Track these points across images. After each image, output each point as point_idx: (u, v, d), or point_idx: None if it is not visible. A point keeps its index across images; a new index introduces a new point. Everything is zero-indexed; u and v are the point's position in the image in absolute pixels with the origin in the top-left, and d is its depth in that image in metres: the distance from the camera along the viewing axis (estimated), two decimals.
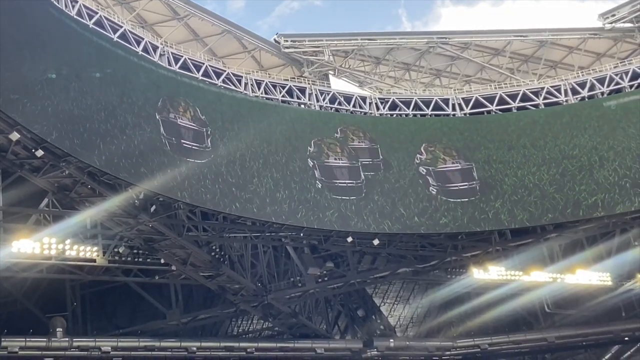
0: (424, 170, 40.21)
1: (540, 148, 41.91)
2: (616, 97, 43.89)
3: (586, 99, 44.48)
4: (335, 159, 39.06)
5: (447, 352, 46.38)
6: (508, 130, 43.32)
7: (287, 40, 47.04)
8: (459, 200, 39.32)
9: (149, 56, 37.85)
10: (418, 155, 40.97)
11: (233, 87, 40.61)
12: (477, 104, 44.83)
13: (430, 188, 39.77)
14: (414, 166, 40.78)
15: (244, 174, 36.27)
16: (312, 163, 38.54)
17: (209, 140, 36.03)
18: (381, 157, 41.08)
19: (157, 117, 34.63)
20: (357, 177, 39.19)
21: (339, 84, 48.33)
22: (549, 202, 39.79)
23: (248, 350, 41.35)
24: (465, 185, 40.40)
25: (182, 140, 34.92)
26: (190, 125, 35.77)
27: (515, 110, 44.58)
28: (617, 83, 44.55)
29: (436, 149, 41.21)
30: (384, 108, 44.29)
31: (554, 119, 43.50)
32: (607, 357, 51.34)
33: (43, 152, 28.70)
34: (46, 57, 31.12)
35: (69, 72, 31.92)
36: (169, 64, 38.74)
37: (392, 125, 43.48)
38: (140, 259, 35.77)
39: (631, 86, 44.15)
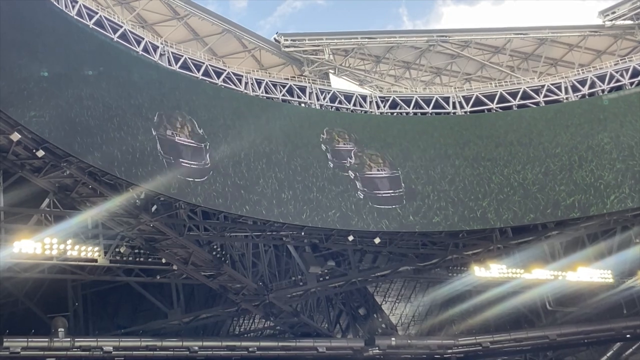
0: None
1: (526, 145, 41.87)
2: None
3: (587, 97, 44.49)
4: (378, 170, 40.31)
5: (449, 350, 46.31)
6: (496, 125, 43.35)
7: (287, 39, 47.08)
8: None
9: (149, 56, 37.90)
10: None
11: (233, 87, 40.63)
12: (478, 102, 44.81)
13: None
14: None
15: (250, 175, 36.24)
16: (353, 175, 39.27)
17: (207, 156, 35.52)
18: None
19: (154, 133, 34.03)
20: (397, 187, 40.07)
21: (339, 83, 48.30)
22: (532, 201, 39.80)
23: (250, 349, 41.32)
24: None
25: (181, 160, 34.27)
26: (189, 142, 35.25)
27: (516, 108, 44.57)
28: (618, 80, 44.57)
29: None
30: (384, 107, 44.26)
31: (539, 115, 43.52)
32: (608, 354, 51.19)
33: (44, 153, 28.69)
34: (49, 57, 31.10)
35: (69, 70, 31.89)
36: (169, 64, 38.78)
37: (389, 122, 43.51)
38: (142, 259, 35.69)
39: (631, 83, 44.14)
